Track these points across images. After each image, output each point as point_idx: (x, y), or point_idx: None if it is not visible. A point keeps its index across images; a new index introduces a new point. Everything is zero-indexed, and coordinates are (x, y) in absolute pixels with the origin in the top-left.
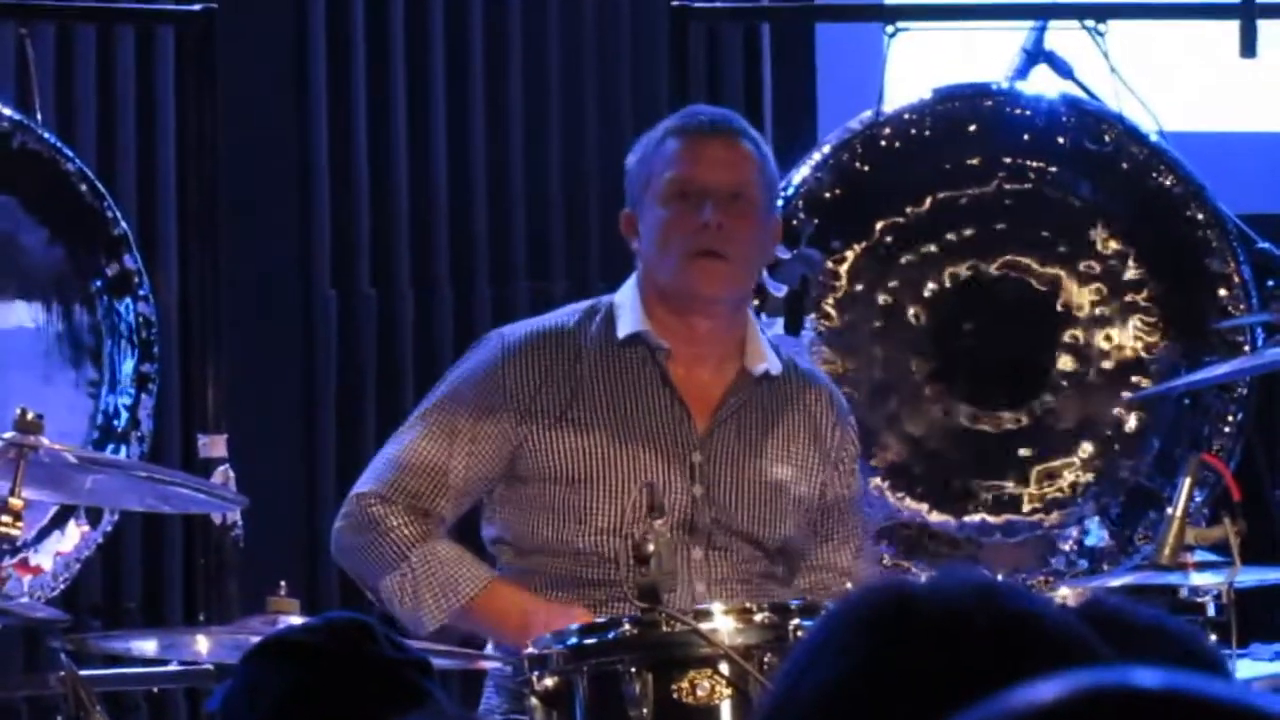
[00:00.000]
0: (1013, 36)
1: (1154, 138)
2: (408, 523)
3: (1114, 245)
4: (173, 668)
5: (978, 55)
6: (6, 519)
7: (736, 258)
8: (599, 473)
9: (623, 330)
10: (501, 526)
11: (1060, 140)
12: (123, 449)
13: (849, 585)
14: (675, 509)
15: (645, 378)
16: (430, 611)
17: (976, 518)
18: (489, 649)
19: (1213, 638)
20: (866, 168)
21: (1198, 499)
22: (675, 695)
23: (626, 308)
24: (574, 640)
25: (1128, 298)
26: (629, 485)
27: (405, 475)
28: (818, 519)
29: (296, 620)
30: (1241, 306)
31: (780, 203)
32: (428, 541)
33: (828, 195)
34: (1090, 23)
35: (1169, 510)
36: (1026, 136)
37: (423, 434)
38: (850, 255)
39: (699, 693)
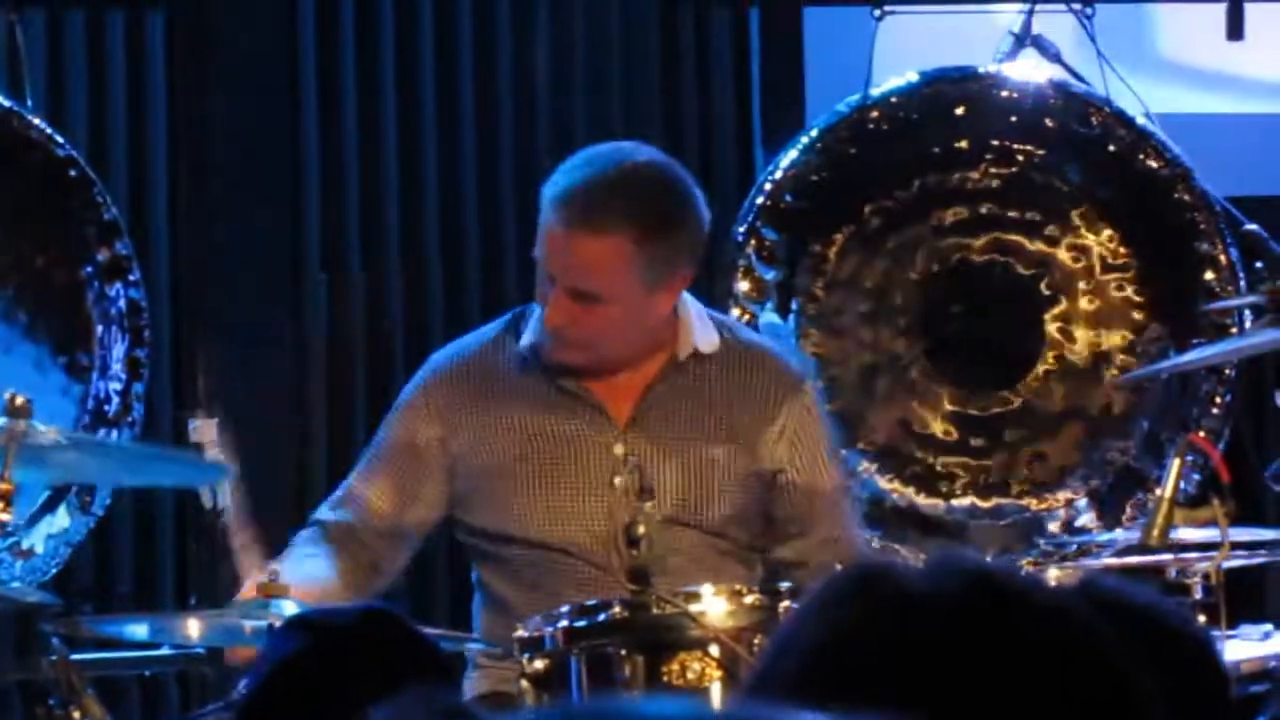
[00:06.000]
0: (1000, 20)
1: (1141, 120)
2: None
3: (1101, 227)
4: (164, 651)
5: (965, 39)
6: None
7: (589, 344)
8: (520, 488)
9: (523, 341)
10: (463, 536)
11: (1048, 123)
12: (114, 434)
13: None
14: (600, 511)
15: (547, 385)
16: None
17: (965, 500)
18: (474, 632)
19: (1201, 619)
20: (854, 150)
21: (1186, 481)
22: (665, 678)
23: (534, 319)
24: (564, 623)
25: (1115, 280)
26: (549, 497)
27: (335, 507)
28: (791, 511)
29: (288, 605)
30: (1229, 288)
31: (772, 184)
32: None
33: (815, 178)
34: (1077, 6)
35: (1157, 491)
36: (1014, 119)
37: (361, 468)
38: (838, 238)
39: (689, 675)
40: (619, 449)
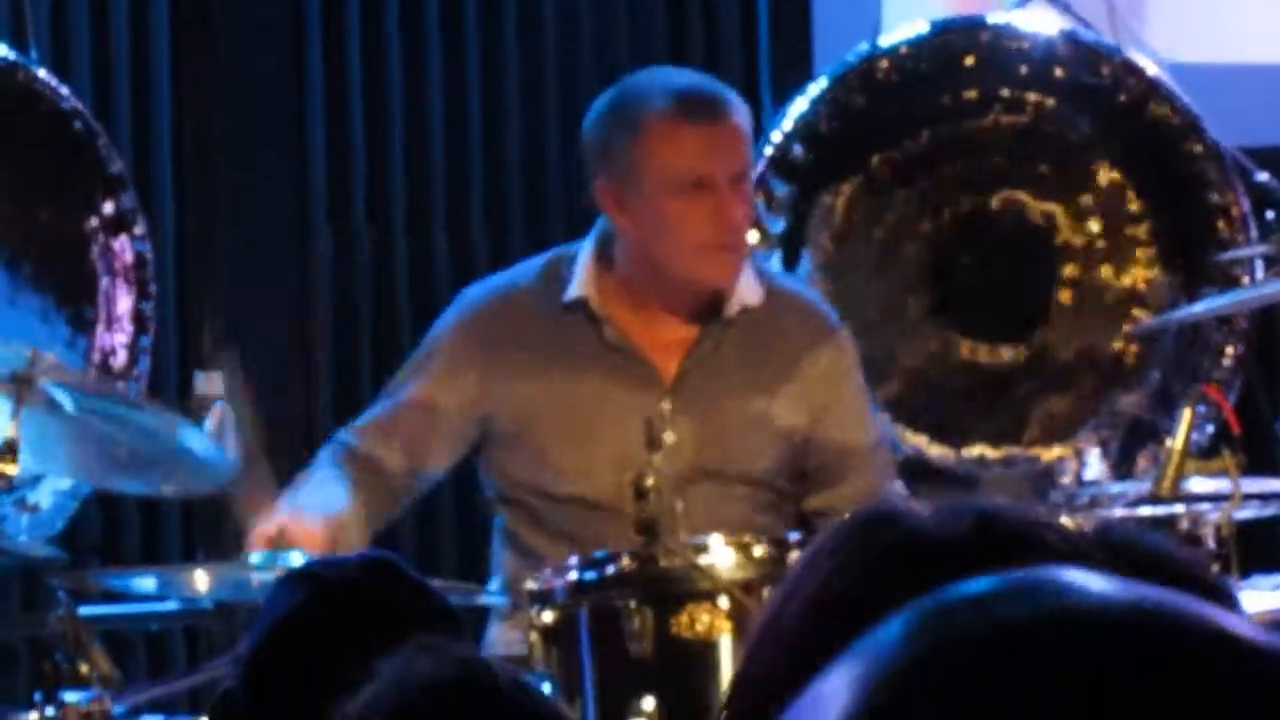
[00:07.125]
0: None
1: (1151, 70)
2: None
3: (1112, 178)
4: (171, 605)
5: None
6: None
7: (746, 241)
8: (561, 437)
9: (569, 294)
10: (491, 483)
11: (1058, 73)
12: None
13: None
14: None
15: (593, 340)
16: None
17: (975, 451)
18: (491, 584)
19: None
20: (862, 101)
21: (1197, 432)
22: (674, 630)
23: (579, 269)
24: (572, 575)
25: (1126, 231)
26: (592, 454)
27: (357, 434)
28: (825, 460)
29: (296, 557)
30: (1240, 239)
31: (780, 135)
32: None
33: (824, 129)
34: None
35: (1168, 443)
36: (1024, 70)
37: (384, 401)
38: (847, 189)
39: (698, 627)
40: (665, 405)
